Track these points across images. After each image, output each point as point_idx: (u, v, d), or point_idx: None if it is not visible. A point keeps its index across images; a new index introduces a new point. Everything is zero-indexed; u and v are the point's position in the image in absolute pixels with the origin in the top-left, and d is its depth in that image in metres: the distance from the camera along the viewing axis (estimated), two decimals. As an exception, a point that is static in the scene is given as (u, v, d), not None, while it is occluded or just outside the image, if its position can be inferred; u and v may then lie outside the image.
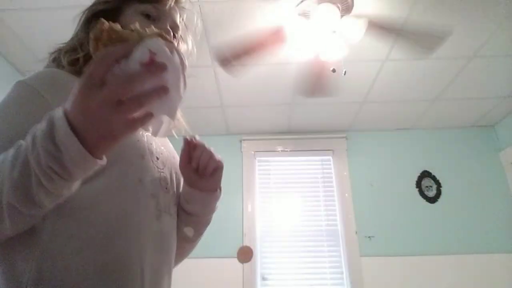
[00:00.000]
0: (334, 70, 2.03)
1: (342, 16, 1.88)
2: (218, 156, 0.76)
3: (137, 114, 0.44)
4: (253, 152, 3.17)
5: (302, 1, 1.87)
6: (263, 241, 2.91)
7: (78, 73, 0.72)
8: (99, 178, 0.59)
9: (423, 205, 3.03)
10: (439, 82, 2.65)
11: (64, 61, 0.74)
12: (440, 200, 3.07)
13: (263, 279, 2.81)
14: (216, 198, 0.81)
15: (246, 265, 2.80)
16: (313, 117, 3.08)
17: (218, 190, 0.80)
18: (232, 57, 1.95)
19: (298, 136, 3.22)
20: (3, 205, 0.48)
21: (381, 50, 2.29)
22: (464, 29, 2.10)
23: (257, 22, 2.01)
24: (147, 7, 0.77)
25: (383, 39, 2.05)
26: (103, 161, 0.48)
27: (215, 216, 1.21)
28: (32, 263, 0.54)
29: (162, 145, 0.78)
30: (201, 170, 0.74)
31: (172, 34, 0.77)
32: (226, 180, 1.15)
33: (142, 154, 0.68)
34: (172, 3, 0.79)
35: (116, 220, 0.61)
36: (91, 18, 0.79)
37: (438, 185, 3.12)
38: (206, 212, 0.82)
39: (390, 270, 2.76)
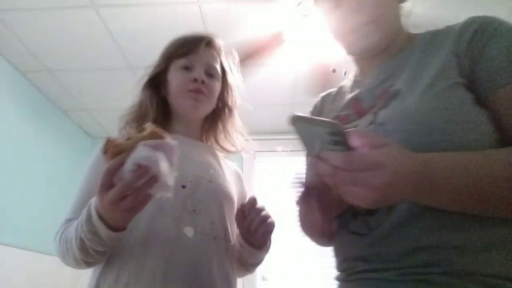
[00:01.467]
0: (334, 70, 2.03)
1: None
2: (271, 219, 0.87)
3: (140, 200, 0.64)
4: (253, 152, 3.16)
5: (302, 1, 1.87)
6: (263, 241, 2.91)
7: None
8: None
9: (423, 205, 3.03)
10: (439, 82, 2.65)
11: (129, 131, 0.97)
12: (440, 200, 3.07)
13: (263, 279, 2.81)
14: (265, 252, 0.94)
15: (246, 265, 2.80)
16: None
17: (268, 243, 0.93)
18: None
19: (298, 136, 3.21)
20: (78, 259, 0.76)
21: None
22: (464, 29, 2.10)
23: (256, 23, 2.01)
24: (182, 61, 0.96)
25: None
26: (120, 232, 0.71)
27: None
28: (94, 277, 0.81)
29: (203, 170, 0.92)
30: (251, 231, 0.85)
31: (204, 77, 0.96)
32: (226, 180, 1.16)
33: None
34: (203, 50, 0.97)
35: (141, 240, 0.79)
36: (149, 82, 1.00)
37: (438, 185, 3.11)
38: (256, 260, 0.96)
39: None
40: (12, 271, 2.18)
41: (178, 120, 1.00)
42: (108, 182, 0.62)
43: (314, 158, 0.49)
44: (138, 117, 0.96)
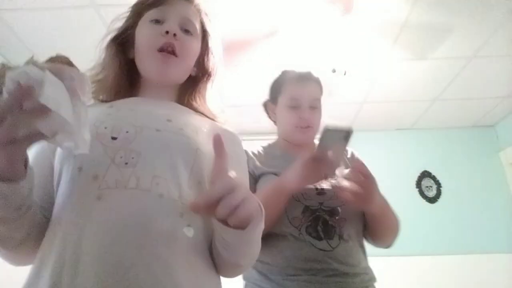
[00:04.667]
0: (334, 70, 2.03)
1: (343, 15, 1.88)
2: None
3: (22, 133, 0.48)
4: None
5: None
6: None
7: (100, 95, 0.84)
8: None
9: (423, 205, 3.03)
10: (439, 82, 2.65)
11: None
12: (440, 200, 3.07)
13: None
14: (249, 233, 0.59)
15: (246, 265, 2.80)
16: (313, 117, 3.08)
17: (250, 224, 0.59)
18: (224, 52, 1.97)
19: (298, 136, 3.20)
20: None
21: (381, 50, 2.29)
22: (464, 29, 2.10)
23: (253, 12, 2.01)
24: (153, 13, 0.79)
25: (385, 38, 2.05)
26: (6, 183, 0.51)
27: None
28: None
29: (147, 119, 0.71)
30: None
31: (179, 31, 0.78)
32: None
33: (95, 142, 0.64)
34: (178, 1, 0.81)
35: (58, 211, 0.61)
36: (113, 41, 0.84)
37: (438, 185, 3.12)
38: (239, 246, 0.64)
39: (390, 270, 2.76)
40: (12, 271, 2.18)
41: (146, 86, 0.83)
42: None
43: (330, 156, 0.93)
44: (99, 81, 0.81)
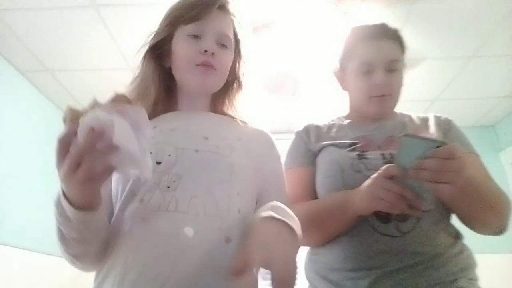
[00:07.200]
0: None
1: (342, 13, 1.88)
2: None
3: (99, 169, 0.55)
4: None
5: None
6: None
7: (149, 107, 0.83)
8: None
9: (423, 205, 3.03)
10: (439, 82, 2.65)
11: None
12: (440, 200, 3.07)
13: (263, 279, 2.81)
14: None
15: (246, 265, 2.80)
16: (313, 118, 3.07)
17: None
18: None
19: (298, 136, 3.20)
20: (64, 252, 0.68)
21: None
22: (464, 29, 2.10)
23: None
24: (190, 28, 0.83)
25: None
26: (88, 211, 0.61)
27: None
28: None
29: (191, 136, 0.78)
30: None
31: (216, 48, 0.83)
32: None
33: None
34: (215, 15, 0.84)
35: (115, 229, 0.70)
36: (150, 51, 0.88)
37: (438, 185, 3.11)
38: None
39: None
40: (12, 271, 2.18)
41: (183, 95, 0.89)
42: (63, 152, 0.55)
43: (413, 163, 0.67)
44: (139, 95, 0.84)
